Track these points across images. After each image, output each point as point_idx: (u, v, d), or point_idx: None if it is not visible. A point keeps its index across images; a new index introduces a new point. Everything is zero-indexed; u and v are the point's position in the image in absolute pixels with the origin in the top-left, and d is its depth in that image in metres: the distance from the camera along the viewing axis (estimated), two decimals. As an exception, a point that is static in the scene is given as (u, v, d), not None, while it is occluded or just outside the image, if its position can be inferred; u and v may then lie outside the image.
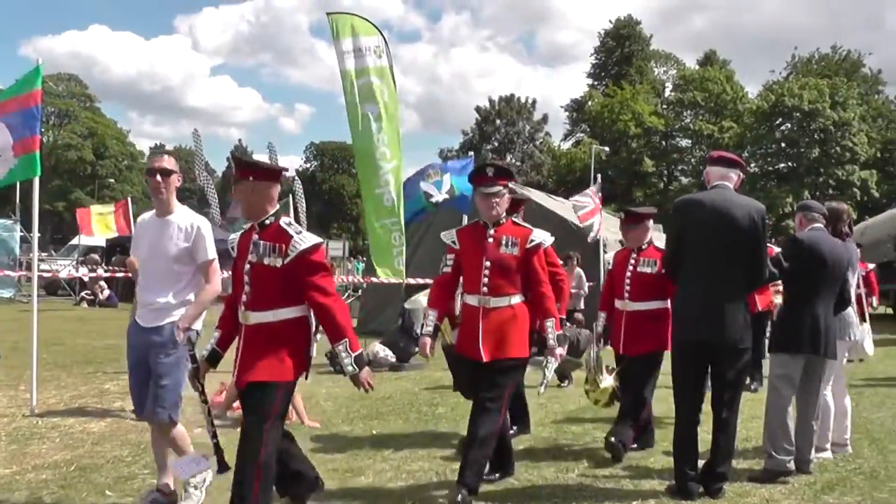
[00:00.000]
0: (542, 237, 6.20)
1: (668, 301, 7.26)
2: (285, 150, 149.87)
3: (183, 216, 5.73)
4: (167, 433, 5.66)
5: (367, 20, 12.84)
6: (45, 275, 26.02)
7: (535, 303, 6.15)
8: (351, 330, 4.87)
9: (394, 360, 12.91)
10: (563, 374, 11.20)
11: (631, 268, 7.65)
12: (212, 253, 5.68)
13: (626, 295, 7.61)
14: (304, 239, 4.85)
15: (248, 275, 4.93)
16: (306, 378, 5.07)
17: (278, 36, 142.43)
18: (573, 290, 14.72)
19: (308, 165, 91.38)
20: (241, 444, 4.81)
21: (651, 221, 7.91)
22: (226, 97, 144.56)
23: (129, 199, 24.10)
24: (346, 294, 20.84)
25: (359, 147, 12.74)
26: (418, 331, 8.04)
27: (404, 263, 12.87)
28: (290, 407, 8.34)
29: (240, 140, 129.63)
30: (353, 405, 9.49)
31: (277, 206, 5.09)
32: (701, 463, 6.20)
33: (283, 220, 4.98)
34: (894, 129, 64.64)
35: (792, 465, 6.65)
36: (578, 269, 14.64)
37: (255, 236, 4.94)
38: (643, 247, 7.69)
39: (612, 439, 7.16)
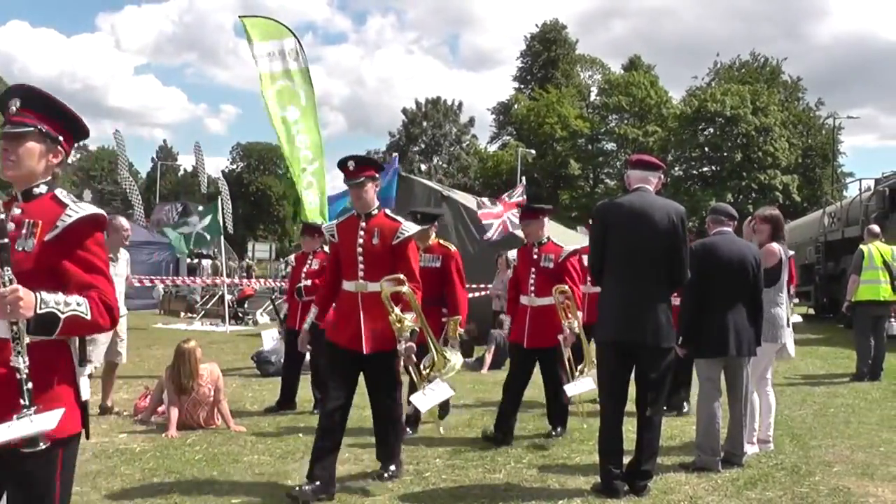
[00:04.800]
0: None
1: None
2: (211, 151, 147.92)
3: None
4: None
5: (280, 23, 12.74)
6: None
7: None
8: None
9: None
10: None
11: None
12: None
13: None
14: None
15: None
16: None
17: (202, 36, 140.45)
18: (499, 293, 14.85)
19: (234, 167, 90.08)
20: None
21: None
22: (150, 97, 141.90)
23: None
24: (274, 296, 20.59)
25: (284, 150, 12.68)
26: None
27: None
28: (216, 412, 8.27)
29: (164, 141, 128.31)
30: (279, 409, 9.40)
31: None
32: (627, 461, 6.24)
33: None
34: (814, 135, 66.04)
35: (719, 465, 6.77)
36: (509, 271, 14.63)
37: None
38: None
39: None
